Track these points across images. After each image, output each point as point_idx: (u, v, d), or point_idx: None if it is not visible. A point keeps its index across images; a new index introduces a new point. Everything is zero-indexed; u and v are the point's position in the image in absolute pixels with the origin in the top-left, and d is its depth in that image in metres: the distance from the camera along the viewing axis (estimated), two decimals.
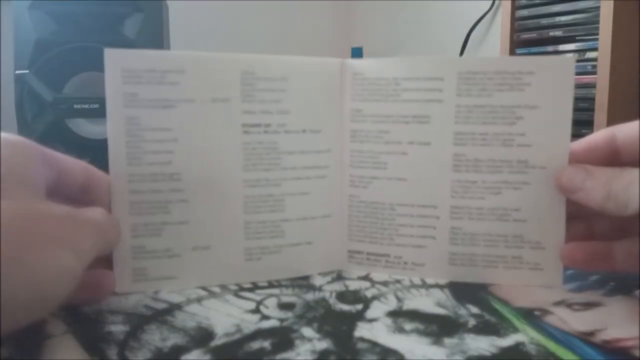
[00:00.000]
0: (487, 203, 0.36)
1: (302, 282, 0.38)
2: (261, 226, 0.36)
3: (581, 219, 0.36)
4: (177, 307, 0.33)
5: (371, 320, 0.31)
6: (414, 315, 0.32)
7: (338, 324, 0.31)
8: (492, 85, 0.35)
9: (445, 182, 0.36)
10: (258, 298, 0.35)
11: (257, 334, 0.30)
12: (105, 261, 0.34)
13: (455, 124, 0.36)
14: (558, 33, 1.52)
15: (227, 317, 0.32)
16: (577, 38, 1.48)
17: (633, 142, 0.33)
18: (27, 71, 1.34)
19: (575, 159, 0.34)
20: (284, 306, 0.33)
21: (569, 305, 0.33)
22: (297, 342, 0.29)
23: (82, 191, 0.33)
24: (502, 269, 0.36)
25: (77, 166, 0.32)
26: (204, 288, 0.36)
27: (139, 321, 0.31)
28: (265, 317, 0.32)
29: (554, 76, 0.35)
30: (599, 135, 0.34)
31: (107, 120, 0.33)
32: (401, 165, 0.37)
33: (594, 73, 1.40)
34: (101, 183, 0.34)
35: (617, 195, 0.30)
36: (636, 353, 0.27)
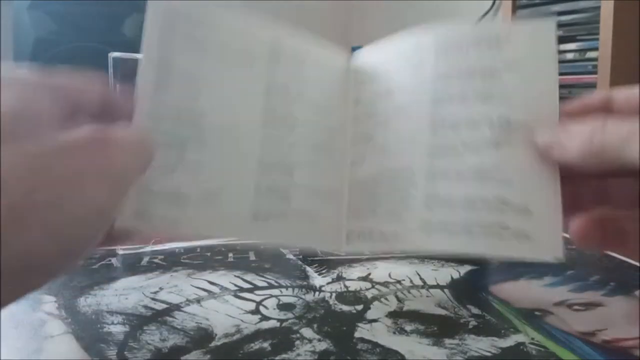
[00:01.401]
0: (466, 163, 0.33)
1: (302, 283, 0.38)
2: (271, 187, 0.36)
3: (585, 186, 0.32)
4: (177, 307, 0.33)
5: (371, 321, 0.31)
6: (415, 315, 0.32)
7: (338, 324, 0.31)
8: (471, 47, 0.35)
9: (422, 144, 0.35)
10: (258, 298, 0.35)
11: (257, 335, 0.29)
12: None
13: (434, 84, 0.35)
14: (558, 33, 1.52)
15: (227, 317, 0.32)
16: (577, 38, 1.48)
17: (631, 98, 0.29)
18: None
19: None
20: (283, 307, 0.33)
21: (570, 306, 0.33)
22: (297, 342, 0.29)
23: (103, 114, 0.28)
24: (483, 237, 0.32)
25: (92, 94, 0.28)
26: (202, 288, 0.36)
27: (139, 321, 0.31)
28: (265, 318, 0.32)
29: (534, 37, 0.34)
30: (595, 95, 0.31)
31: (142, 50, 0.33)
32: (382, 135, 0.37)
33: (595, 73, 1.40)
34: (121, 107, 0.30)
35: (605, 150, 0.26)
36: (636, 353, 0.27)
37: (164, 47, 0.34)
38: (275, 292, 0.36)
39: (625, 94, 0.29)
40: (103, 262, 0.43)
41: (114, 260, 0.43)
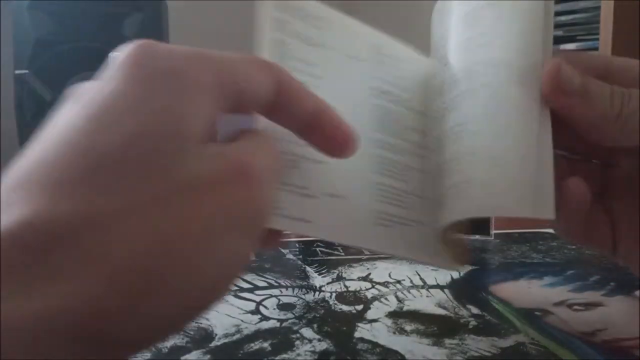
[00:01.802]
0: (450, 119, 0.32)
1: (302, 283, 0.38)
2: (390, 191, 0.34)
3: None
4: None
5: (371, 321, 0.31)
6: (415, 316, 0.32)
7: (338, 324, 0.31)
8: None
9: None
10: (258, 299, 0.35)
11: (257, 335, 0.29)
12: None
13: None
14: (558, 33, 1.52)
15: (227, 317, 0.32)
16: (577, 38, 1.48)
17: (629, 68, 0.27)
18: (27, 71, 1.34)
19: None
20: (283, 307, 0.33)
21: (570, 306, 0.33)
22: (297, 342, 0.29)
23: (267, 113, 0.23)
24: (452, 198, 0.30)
25: (264, 84, 0.21)
26: None
27: None
28: (265, 318, 0.32)
29: None
30: (595, 56, 0.29)
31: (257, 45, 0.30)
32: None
33: None
34: (293, 104, 0.23)
35: (629, 125, 0.24)
36: (636, 353, 0.27)
37: (279, 29, 0.32)
38: (275, 292, 0.36)
39: (623, 63, 0.28)
40: None
41: None
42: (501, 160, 0.29)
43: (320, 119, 0.24)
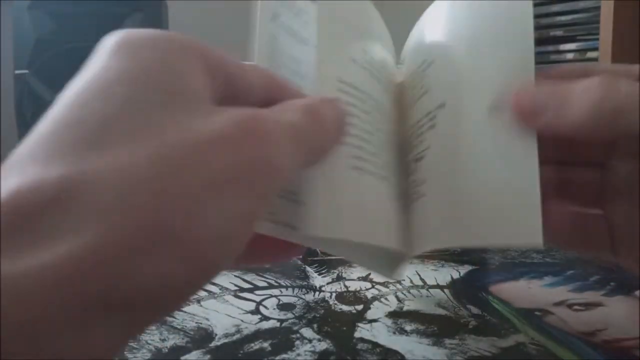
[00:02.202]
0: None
1: (302, 283, 0.38)
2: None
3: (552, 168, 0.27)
4: None
5: (371, 321, 0.31)
6: (415, 315, 0.32)
7: (338, 324, 0.31)
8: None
9: None
10: (258, 299, 0.35)
11: (257, 335, 0.29)
12: None
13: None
14: (558, 32, 1.52)
15: (227, 317, 0.32)
16: (577, 37, 1.48)
17: (619, 70, 0.25)
18: (27, 71, 1.34)
19: None
20: (283, 307, 0.33)
21: (570, 306, 0.33)
22: (297, 342, 0.29)
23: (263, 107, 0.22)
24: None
25: (255, 79, 0.21)
26: (202, 288, 0.36)
27: None
28: (265, 318, 0.32)
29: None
30: (574, 65, 0.27)
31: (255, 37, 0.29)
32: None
33: None
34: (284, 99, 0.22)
35: (620, 116, 0.22)
36: (636, 353, 0.27)
37: (274, 21, 0.31)
38: (275, 292, 0.36)
39: (606, 68, 0.26)
40: None
41: None
42: (481, 187, 0.27)
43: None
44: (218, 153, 0.17)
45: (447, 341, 0.29)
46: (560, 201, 0.27)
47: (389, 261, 0.30)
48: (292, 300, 0.34)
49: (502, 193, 0.27)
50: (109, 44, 0.18)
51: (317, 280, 0.38)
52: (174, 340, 0.29)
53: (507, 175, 0.27)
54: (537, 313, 0.32)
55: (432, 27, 0.33)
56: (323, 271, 0.40)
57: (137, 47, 0.18)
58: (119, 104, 0.17)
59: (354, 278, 0.38)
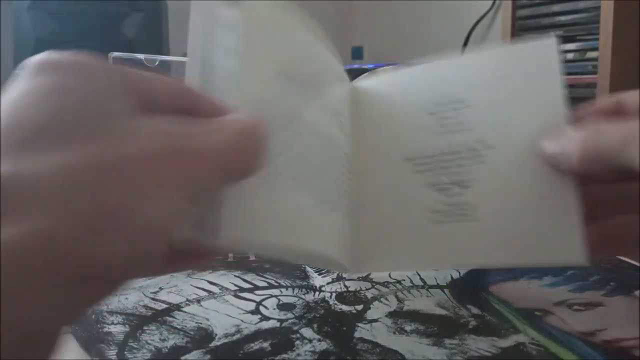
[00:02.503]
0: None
1: (302, 283, 0.38)
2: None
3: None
4: (177, 307, 0.33)
5: (371, 321, 0.31)
6: (415, 316, 0.32)
7: (338, 324, 0.31)
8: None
9: None
10: (258, 299, 0.35)
11: (257, 335, 0.29)
12: None
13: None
14: (559, 32, 1.52)
15: (227, 317, 0.32)
16: (577, 37, 1.48)
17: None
18: None
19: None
20: (283, 307, 0.33)
21: (570, 306, 0.33)
22: (297, 342, 0.29)
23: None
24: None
25: (170, 89, 0.24)
26: (202, 288, 0.36)
27: (139, 321, 0.31)
28: (265, 318, 0.32)
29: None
30: (605, 99, 0.31)
31: (188, 53, 0.30)
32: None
33: (595, 73, 1.40)
34: (207, 109, 0.24)
35: (601, 154, 0.26)
36: (636, 353, 0.27)
37: (207, 50, 0.31)
38: (275, 292, 0.36)
39: (635, 96, 0.29)
40: None
41: None
42: (529, 215, 0.32)
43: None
44: (147, 166, 0.19)
45: (447, 341, 0.29)
46: (593, 219, 0.30)
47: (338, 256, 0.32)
48: (292, 300, 0.34)
49: (547, 220, 0.31)
50: (34, 64, 0.20)
51: (317, 280, 0.38)
52: (174, 340, 0.29)
53: (551, 204, 0.32)
54: (537, 313, 0.32)
55: (461, 70, 0.36)
56: (323, 271, 0.40)
57: (63, 67, 0.20)
58: (52, 114, 0.19)
59: (354, 278, 0.38)
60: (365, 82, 0.37)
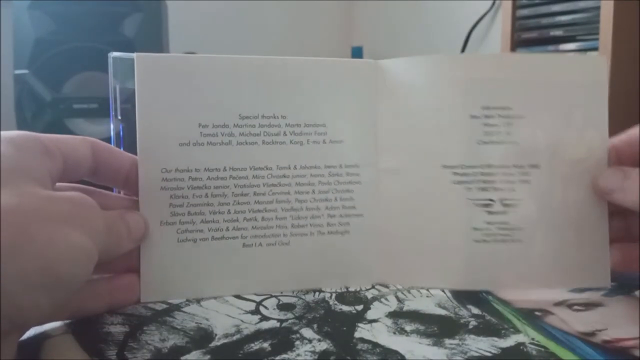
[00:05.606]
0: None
1: None
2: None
3: (618, 219, 0.36)
4: (177, 307, 0.33)
5: (371, 321, 0.31)
6: (415, 316, 0.32)
7: (338, 324, 0.31)
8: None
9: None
10: (258, 299, 0.35)
11: (257, 335, 0.29)
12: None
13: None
14: (559, 32, 1.52)
15: (227, 317, 0.32)
16: (577, 37, 1.48)
17: None
18: (27, 71, 1.34)
19: (617, 154, 0.34)
20: (283, 307, 0.33)
21: (570, 306, 0.33)
22: (297, 343, 0.29)
23: (93, 174, 0.32)
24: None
25: (82, 148, 0.30)
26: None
27: (139, 322, 0.31)
28: (265, 318, 0.32)
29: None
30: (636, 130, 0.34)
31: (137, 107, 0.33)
32: None
33: None
34: (110, 162, 0.32)
35: None
36: (636, 353, 0.27)
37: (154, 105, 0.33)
38: (275, 292, 0.36)
39: None
40: None
41: None
42: (567, 239, 0.34)
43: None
44: (61, 207, 0.25)
45: (447, 341, 0.29)
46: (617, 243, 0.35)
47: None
48: (292, 300, 0.34)
49: (583, 245, 0.34)
50: None
51: None
52: (173, 340, 0.29)
53: (588, 230, 0.34)
54: (537, 313, 0.32)
55: (508, 72, 0.35)
56: None
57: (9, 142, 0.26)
58: (9, 168, 0.25)
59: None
60: (400, 66, 0.35)
